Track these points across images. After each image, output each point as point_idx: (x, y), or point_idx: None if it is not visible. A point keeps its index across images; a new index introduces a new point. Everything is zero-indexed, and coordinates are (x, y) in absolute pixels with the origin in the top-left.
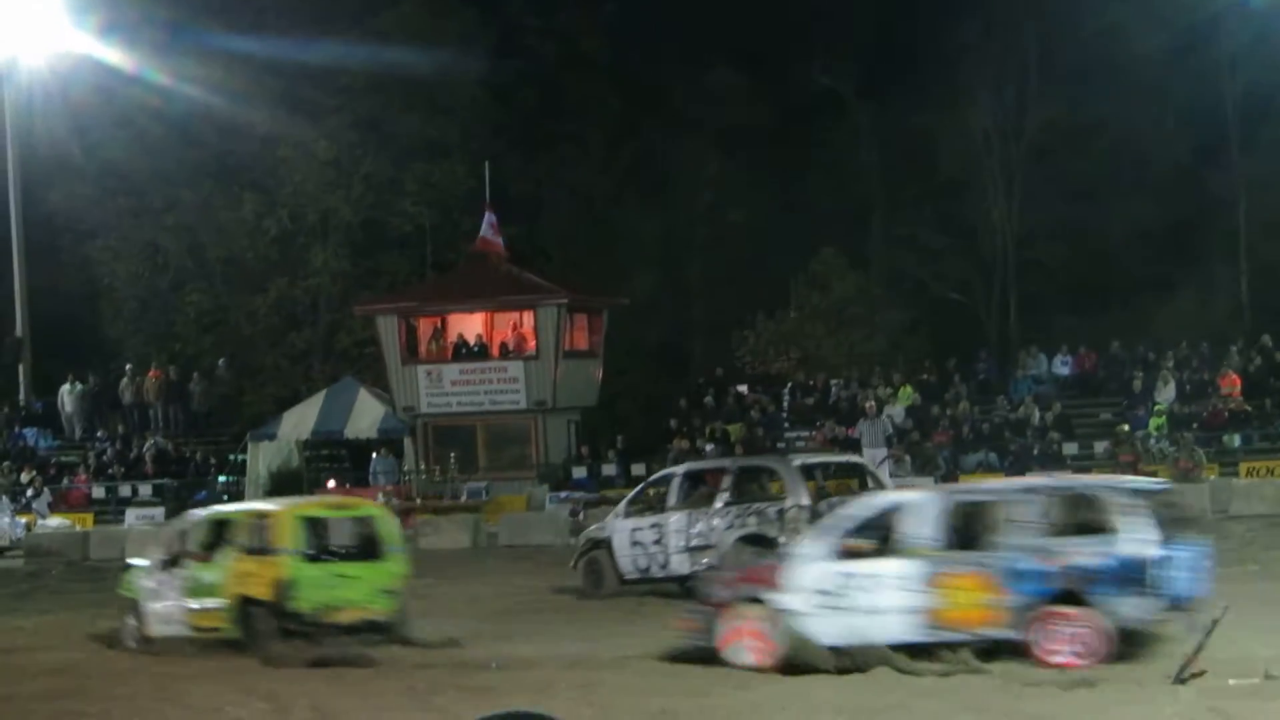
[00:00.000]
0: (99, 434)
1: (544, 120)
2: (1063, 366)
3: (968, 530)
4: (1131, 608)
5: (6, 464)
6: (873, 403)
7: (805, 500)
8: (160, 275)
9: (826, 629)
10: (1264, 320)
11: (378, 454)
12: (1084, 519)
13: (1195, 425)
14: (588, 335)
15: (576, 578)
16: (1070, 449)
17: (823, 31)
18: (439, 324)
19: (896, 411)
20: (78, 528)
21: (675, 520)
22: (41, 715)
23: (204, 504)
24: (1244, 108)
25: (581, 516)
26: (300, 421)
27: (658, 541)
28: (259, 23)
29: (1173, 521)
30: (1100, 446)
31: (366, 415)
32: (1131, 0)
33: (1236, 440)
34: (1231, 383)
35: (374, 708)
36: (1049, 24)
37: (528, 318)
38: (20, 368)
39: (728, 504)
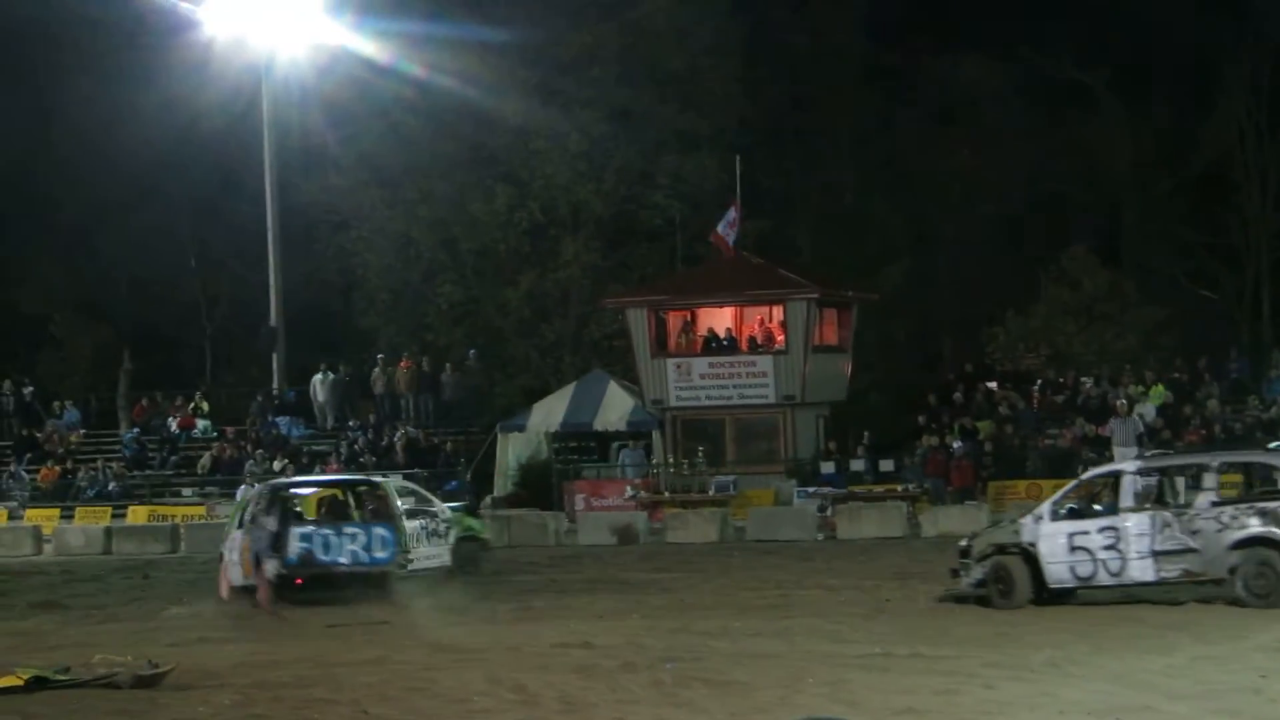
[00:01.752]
0: (350, 423)
1: (795, 113)
2: None
3: None
4: None
5: (260, 452)
6: (1124, 401)
7: None
8: (413, 266)
9: None
10: None
11: (626, 447)
12: None
13: None
14: (837, 330)
15: (957, 586)
16: None
17: (1075, 23)
18: (689, 317)
19: (1147, 410)
20: None
21: (1136, 522)
22: (291, 703)
23: (454, 495)
24: None
25: (829, 512)
26: (549, 413)
27: (1111, 546)
28: (513, 14)
29: None
30: None
31: (615, 408)
32: None
33: None
34: None
35: (621, 700)
36: None
37: (777, 312)
38: (274, 357)
39: (1216, 503)
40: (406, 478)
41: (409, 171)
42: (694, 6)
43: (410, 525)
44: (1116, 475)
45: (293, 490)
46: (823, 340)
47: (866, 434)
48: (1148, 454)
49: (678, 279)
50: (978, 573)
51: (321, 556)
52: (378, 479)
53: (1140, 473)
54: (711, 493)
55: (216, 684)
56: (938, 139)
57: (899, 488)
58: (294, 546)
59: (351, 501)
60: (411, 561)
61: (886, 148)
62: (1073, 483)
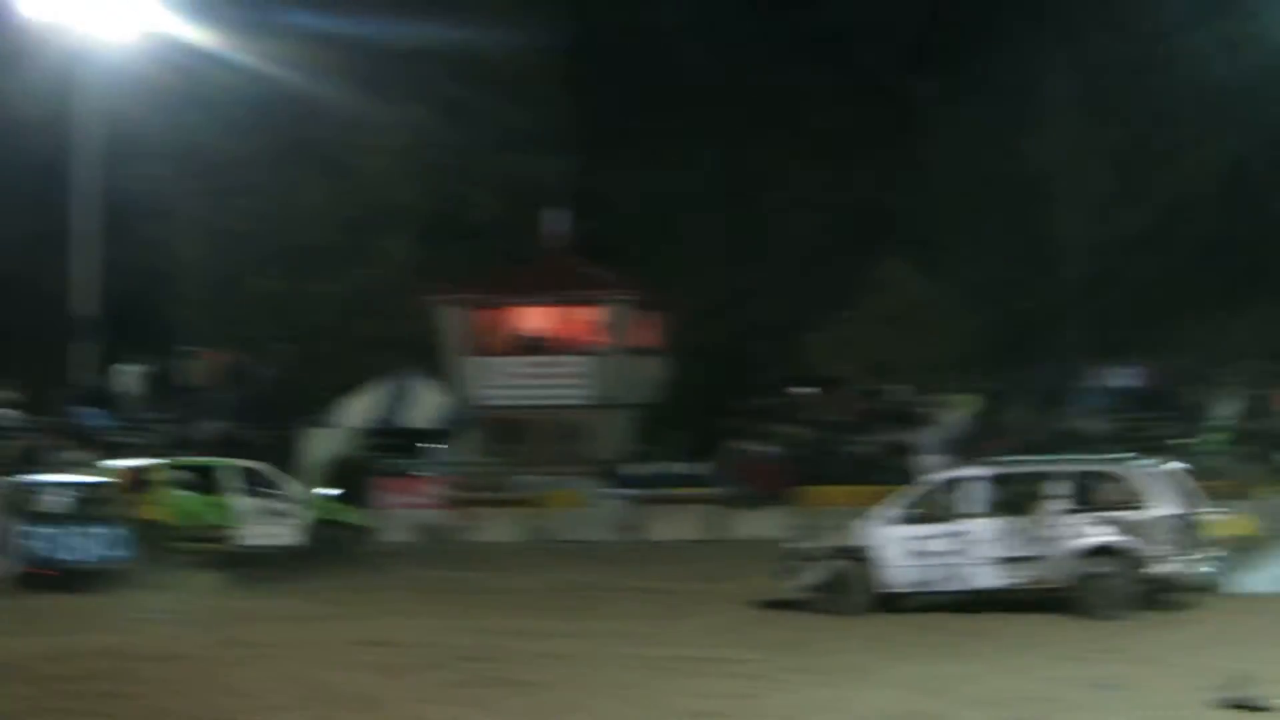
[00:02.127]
0: (158, 415)
1: (621, 116)
2: (1128, 378)
3: None
4: None
5: (65, 443)
6: (936, 409)
7: (1173, 509)
8: (229, 258)
9: None
10: None
11: (436, 445)
12: None
13: (1254, 443)
14: (652, 332)
15: (791, 589)
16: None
17: (902, 35)
18: (503, 317)
19: (959, 418)
20: None
21: (982, 528)
22: (87, 698)
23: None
24: None
25: (638, 514)
26: (360, 410)
27: (956, 552)
28: (341, 5)
29: None
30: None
31: (427, 406)
32: (1214, 27)
33: None
34: None
35: (419, 699)
36: (1133, 42)
37: (593, 314)
38: (83, 347)
39: (1064, 511)
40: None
41: (230, 162)
42: (524, 5)
43: (247, 504)
44: (963, 480)
45: (42, 486)
46: (637, 343)
47: (679, 437)
48: (994, 459)
49: (494, 278)
50: (811, 576)
51: (59, 554)
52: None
53: (987, 478)
54: (520, 493)
55: (5, 676)
56: (761, 144)
57: (708, 491)
58: (34, 544)
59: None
60: (240, 538)
61: (710, 153)
62: (916, 487)
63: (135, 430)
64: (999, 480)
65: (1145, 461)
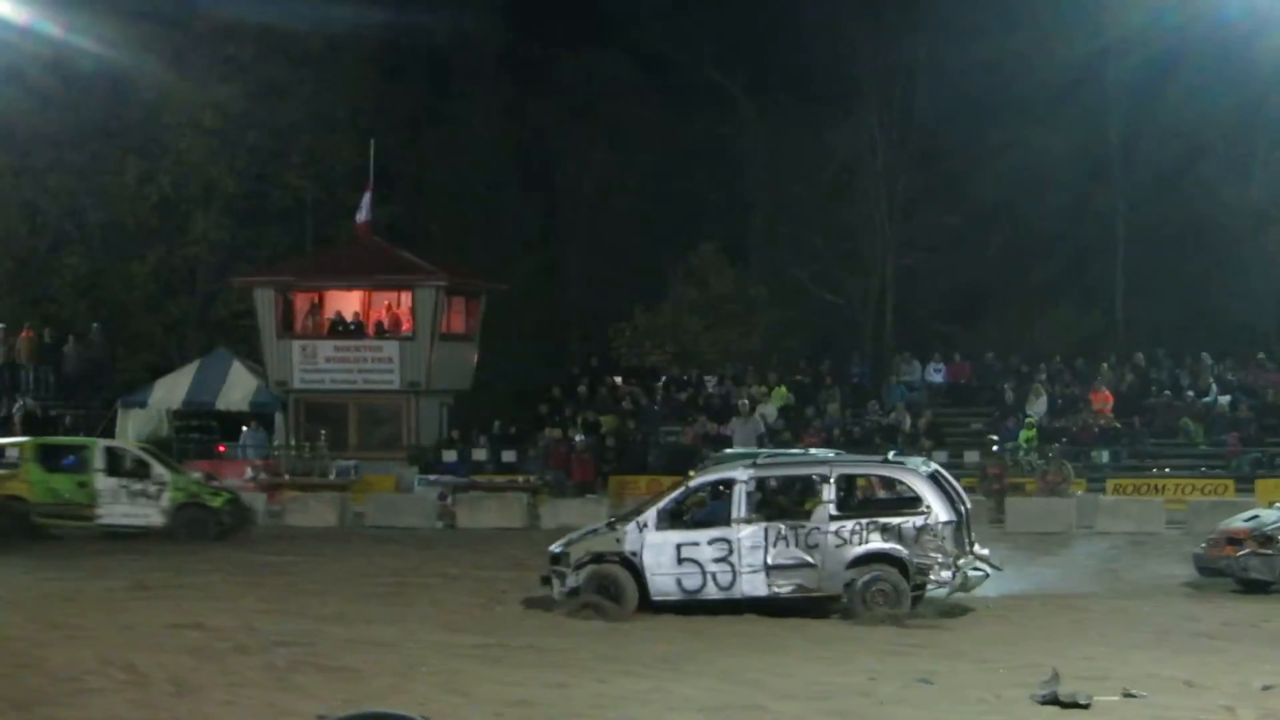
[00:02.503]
0: None
1: (431, 100)
2: (936, 374)
3: None
4: None
5: None
6: (746, 401)
7: (946, 515)
8: (39, 236)
9: None
10: (1138, 338)
11: (248, 427)
12: None
13: (1065, 440)
14: (465, 318)
15: (556, 596)
16: (940, 457)
17: (715, 25)
18: (316, 300)
19: (769, 411)
20: None
21: (750, 534)
22: None
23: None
24: (1126, 127)
25: (450, 501)
26: (172, 390)
27: (722, 559)
28: None
29: None
30: (971, 456)
31: (239, 388)
32: (1023, 25)
33: (1105, 457)
34: (1103, 399)
35: (232, 684)
36: (938, 37)
37: (405, 298)
38: None
39: (834, 516)
40: None
41: (39, 139)
42: None
43: (107, 482)
44: (729, 483)
45: None
46: (450, 328)
47: (493, 424)
48: (760, 461)
49: (307, 260)
50: (573, 581)
51: None
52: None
53: (753, 481)
54: (333, 477)
55: None
56: (573, 132)
57: (520, 479)
58: None
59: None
60: (99, 517)
61: (521, 138)
62: (680, 488)
63: None
64: (768, 483)
65: (916, 463)
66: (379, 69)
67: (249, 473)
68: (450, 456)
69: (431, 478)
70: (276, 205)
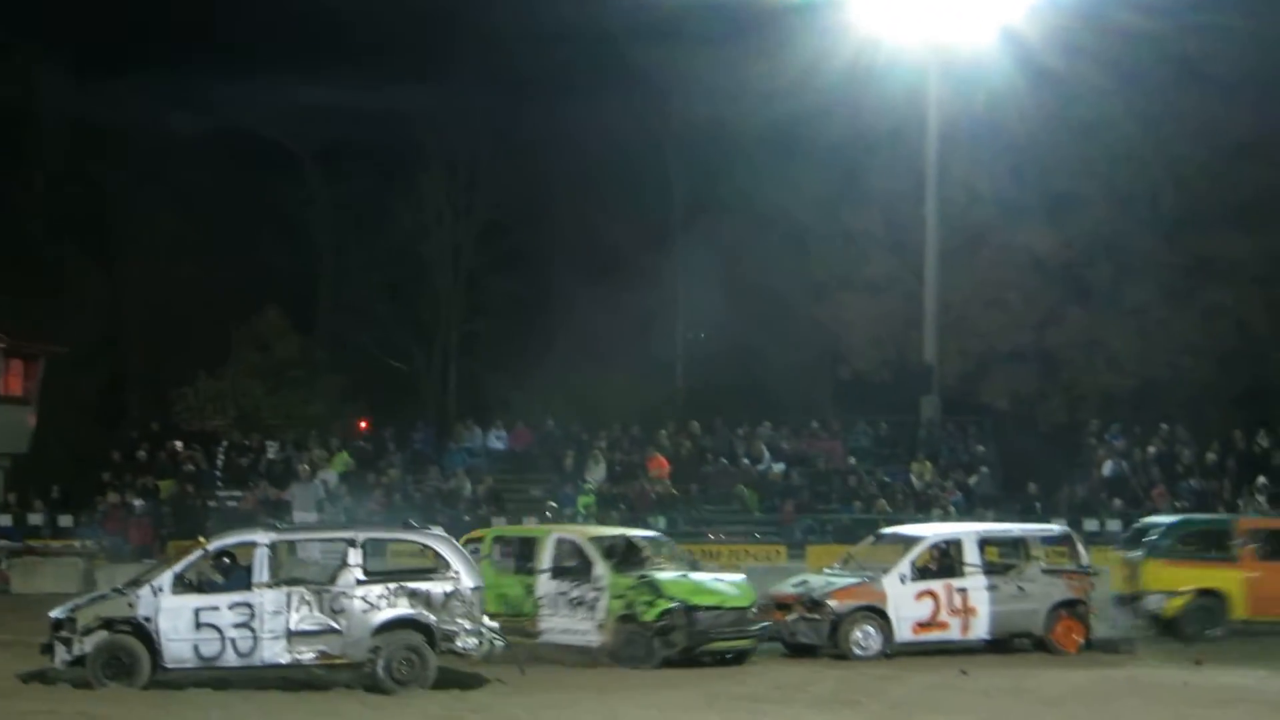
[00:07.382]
0: None
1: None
2: (498, 441)
3: None
4: None
5: None
6: (307, 466)
7: (473, 580)
8: None
9: None
10: (695, 406)
11: None
12: None
13: (623, 506)
14: (23, 381)
15: (59, 663)
16: (500, 523)
17: (286, 93)
18: None
19: (330, 476)
20: None
21: (272, 599)
22: None
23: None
24: (688, 199)
25: (5, 565)
26: None
27: (243, 624)
28: None
29: None
30: (530, 521)
31: None
32: (586, 99)
33: (661, 522)
34: (659, 465)
35: None
36: (505, 114)
37: None
38: None
39: (361, 581)
40: None
41: None
42: None
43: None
44: (250, 546)
45: None
46: (6, 391)
47: (52, 488)
48: (283, 524)
49: None
50: (79, 649)
51: None
52: None
53: (274, 544)
54: None
55: None
56: (140, 196)
57: (77, 543)
58: None
59: None
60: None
61: (81, 198)
62: (197, 552)
63: None
64: (290, 547)
65: (438, 531)
66: None
67: None
68: (5, 520)
69: None
70: None
